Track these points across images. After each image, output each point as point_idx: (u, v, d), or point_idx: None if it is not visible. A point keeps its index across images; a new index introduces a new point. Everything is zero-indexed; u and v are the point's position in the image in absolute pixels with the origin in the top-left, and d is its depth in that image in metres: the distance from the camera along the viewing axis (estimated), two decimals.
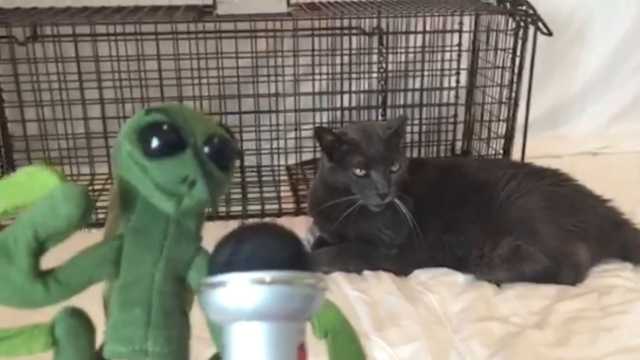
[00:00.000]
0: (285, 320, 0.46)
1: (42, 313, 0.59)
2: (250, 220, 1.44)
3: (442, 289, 1.19)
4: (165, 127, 0.58)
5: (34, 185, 0.59)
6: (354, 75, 1.73)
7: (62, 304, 0.60)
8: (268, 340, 0.45)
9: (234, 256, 0.47)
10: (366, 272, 1.25)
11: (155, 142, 0.58)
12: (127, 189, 0.61)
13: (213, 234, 0.60)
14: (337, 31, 1.68)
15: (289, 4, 1.54)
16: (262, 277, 0.45)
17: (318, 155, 1.48)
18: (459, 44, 1.75)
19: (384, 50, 1.71)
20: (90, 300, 0.62)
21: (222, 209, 1.42)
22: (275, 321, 0.46)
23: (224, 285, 0.45)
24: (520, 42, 1.57)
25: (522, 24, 1.55)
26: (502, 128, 1.66)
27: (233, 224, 1.35)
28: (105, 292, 0.63)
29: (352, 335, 0.64)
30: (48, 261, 0.58)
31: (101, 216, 1.23)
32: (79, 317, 0.61)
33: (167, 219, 0.61)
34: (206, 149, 0.60)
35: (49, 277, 0.57)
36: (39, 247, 0.56)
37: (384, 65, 1.73)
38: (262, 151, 1.69)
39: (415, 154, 1.78)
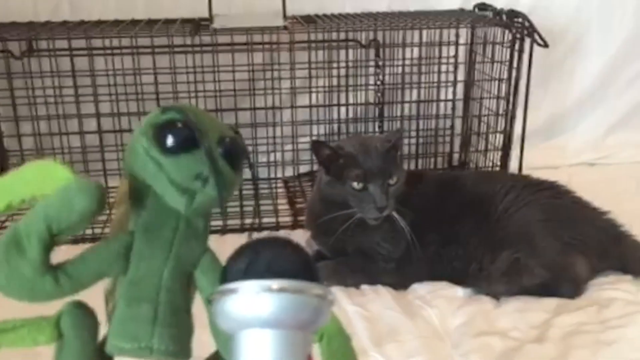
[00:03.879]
0: (295, 330, 0.47)
1: (48, 305, 0.60)
2: (255, 234, 1.43)
3: (441, 303, 1.18)
4: (180, 124, 0.60)
5: (44, 179, 0.60)
6: (350, 88, 1.73)
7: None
8: (278, 348, 0.47)
9: (250, 266, 0.48)
10: (364, 287, 1.25)
11: (171, 139, 0.60)
12: (138, 186, 0.62)
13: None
14: (334, 44, 1.68)
15: (285, 17, 1.54)
16: (276, 285, 0.46)
17: (315, 167, 1.48)
18: (456, 56, 1.75)
19: (380, 63, 1.71)
20: (90, 294, 0.63)
21: (220, 222, 1.41)
22: (285, 330, 0.47)
23: (236, 292, 0.47)
24: (516, 54, 1.57)
25: (518, 36, 1.55)
26: (499, 140, 1.66)
27: (231, 237, 1.36)
28: (108, 287, 0.64)
29: (345, 340, 0.65)
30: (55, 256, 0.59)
31: (97, 230, 1.24)
32: (85, 311, 0.62)
33: (177, 217, 0.63)
34: (219, 149, 0.62)
35: (59, 271, 0.58)
36: (51, 241, 0.57)
37: (380, 77, 1.73)
38: (259, 164, 1.69)
39: (412, 166, 1.78)
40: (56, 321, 0.61)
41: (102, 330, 0.64)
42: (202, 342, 0.65)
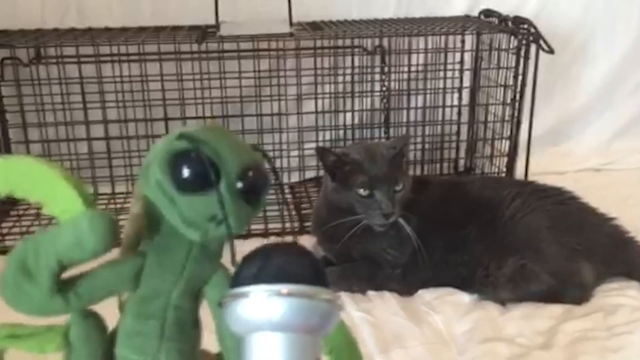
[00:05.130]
0: (305, 333, 0.49)
1: None
2: (261, 240, 1.44)
3: (447, 309, 1.18)
4: (196, 158, 0.55)
5: (49, 191, 0.58)
6: (356, 94, 1.73)
7: None
8: (288, 351, 0.48)
9: (261, 271, 0.49)
10: (370, 293, 1.25)
11: (185, 176, 0.56)
12: (153, 209, 0.60)
13: None
14: (340, 50, 1.69)
15: (291, 24, 1.55)
16: (286, 290, 0.48)
17: (321, 173, 1.48)
18: (461, 63, 1.75)
19: (386, 69, 1.72)
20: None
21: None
22: (295, 333, 0.48)
23: (247, 296, 0.48)
24: (522, 60, 1.57)
25: (523, 42, 1.56)
26: (505, 145, 1.67)
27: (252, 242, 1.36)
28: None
29: (356, 355, 0.65)
30: None
31: None
32: (93, 321, 0.62)
33: (191, 241, 0.61)
34: (239, 184, 0.57)
35: (69, 292, 0.58)
36: (61, 270, 0.57)
37: (386, 83, 1.74)
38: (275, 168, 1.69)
39: (417, 172, 1.78)
40: (65, 332, 0.61)
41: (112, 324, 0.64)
42: (204, 344, 0.65)
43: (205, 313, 0.64)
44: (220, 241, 0.63)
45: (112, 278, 0.60)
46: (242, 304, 0.48)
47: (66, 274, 0.58)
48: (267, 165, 0.62)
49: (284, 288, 0.48)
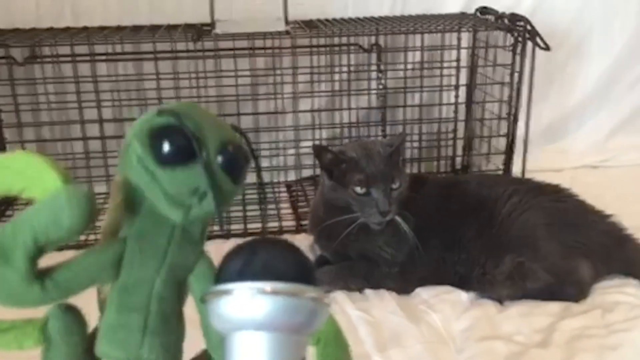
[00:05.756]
0: (290, 333, 0.47)
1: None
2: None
3: (445, 307, 1.18)
4: (177, 132, 0.56)
5: (33, 177, 0.57)
6: (352, 92, 1.73)
7: None
8: (271, 351, 0.46)
9: (246, 267, 0.48)
10: (368, 291, 1.24)
11: (167, 149, 0.56)
12: (133, 191, 0.59)
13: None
14: (336, 48, 1.68)
15: (287, 22, 1.54)
16: (270, 288, 0.46)
17: (318, 171, 1.48)
18: (458, 60, 1.75)
19: (382, 67, 1.71)
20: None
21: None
22: (279, 332, 0.46)
23: (230, 294, 0.46)
24: (518, 57, 1.57)
25: (520, 39, 1.56)
26: (501, 143, 1.66)
27: (234, 242, 1.36)
28: (100, 286, 0.62)
29: (343, 345, 0.64)
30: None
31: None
32: (72, 314, 0.60)
33: (173, 225, 0.60)
34: (219, 158, 0.57)
35: (46, 279, 0.56)
36: (38, 251, 0.55)
37: (382, 81, 1.73)
38: (262, 168, 1.68)
39: (414, 170, 1.78)
40: (43, 325, 0.59)
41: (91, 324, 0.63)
42: (190, 339, 0.64)
43: (190, 307, 0.63)
44: (202, 225, 0.61)
45: (91, 265, 0.58)
46: (225, 302, 0.47)
47: (45, 265, 0.57)
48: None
49: (269, 286, 0.46)
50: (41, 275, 0.56)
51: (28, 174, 0.58)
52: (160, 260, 0.60)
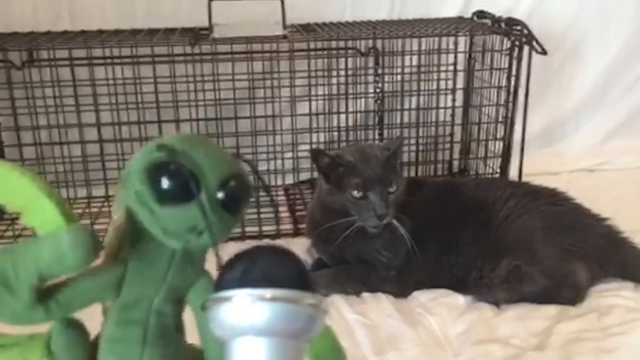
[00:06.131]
0: (289, 338, 0.48)
1: None
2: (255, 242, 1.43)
3: (442, 310, 1.18)
4: (175, 170, 0.55)
5: (29, 202, 0.57)
6: (350, 96, 1.73)
7: None
8: (271, 356, 0.47)
9: (246, 274, 0.49)
10: (365, 295, 1.24)
11: (165, 187, 0.56)
12: (134, 217, 0.59)
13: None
14: (333, 52, 1.68)
15: (284, 26, 1.54)
16: (269, 294, 0.47)
17: (315, 175, 1.48)
18: (455, 64, 1.76)
19: (379, 71, 1.72)
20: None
21: None
22: (279, 338, 0.47)
23: (230, 301, 0.47)
24: (515, 61, 1.57)
25: (516, 43, 1.56)
26: (498, 147, 1.67)
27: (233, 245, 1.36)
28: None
29: (338, 353, 0.64)
30: None
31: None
32: (76, 329, 0.61)
33: (173, 250, 0.60)
34: (219, 194, 0.57)
35: (50, 300, 0.57)
36: (41, 283, 0.56)
37: (380, 85, 1.74)
38: (260, 172, 1.68)
39: (412, 174, 1.78)
40: (46, 341, 0.60)
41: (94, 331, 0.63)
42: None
43: (188, 318, 0.64)
44: (203, 248, 0.62)
45: (93, 286, 0.59)
46: (225, 309, 0.48)
47: (47, 283, 0.57)
48: (250, 171, 0.62)
49: (268, 293, 0.47)
50: (44, 297, 0.57)
51: (24, 199, 0.58)
52: (160, 282, 0.61)
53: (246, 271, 0.49)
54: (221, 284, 0.49)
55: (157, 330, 0.60)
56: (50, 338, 0.61)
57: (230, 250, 0.54)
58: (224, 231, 0.59)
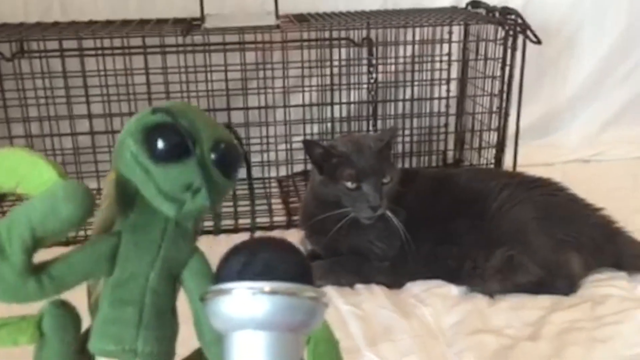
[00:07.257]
0: (289, 332, 0.48)
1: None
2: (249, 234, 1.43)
3: (436, 301, 1.18)
4: (171, 129, 0.58)
5: (28, 174, 0.58)
6: (343, 86, 1.72)
7: None
8: (271, 350, 0.47)
9: (246, 267, 0.48)
10: (359, 286, 1.24)
11: (161, 145, 0.58)
12: (126, 186, 0.60)
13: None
14: (327, 42, 1.67)
15: (277, 16, 1.53)
16: (269, 287, 0.46)
17: (309, 166, 1.48)
18: (449, 54, 1.75)
19: (373, 61, 1.71)
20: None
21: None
22: (279, 331, 0.47)
23: (230, 293, 0.47)
24: (509, 51, 1.57)
25: (511, 33, 1.55)
26: (493, 137, 1.66)
27: (225, 238, 1.36)
28: (91, 283, 0.63)
29: (332, 345, 0.64)
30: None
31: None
32: (67, 311, 0.61)
33: (166, 218, 0.61)
34: (212, 155, 0.59)
35: (42, 274, 0.56)
36: (34, 245, 0.55)
37: (374, 75, 1.72)
38: (253, 164, 1.68)
39: (406, 164, 1.77)
40: (37, 322, 0.60)
41: (85, 323, 0.63)
42: (183, 339, 0.64)
43: (182, 307, 0.63)
44: (195, 219, 0.63)
45: (87, 259, 0.59)
46: (225, 301, 0.47)
47: (40, 260, 0.57)
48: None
49: (268, 286, 0.46)
50: (37, 271, 0.56)
51: (20, 170, 0.58)
52: (154, 254, 0.60)
53: (246, 264, 0.49)
54: (221, 276, 0.49)
55: (152, 311, 0.59)
56: (42, 319, 0.60)
57: (223, 243, 0.54)
58: (218, 192, 0.60)
